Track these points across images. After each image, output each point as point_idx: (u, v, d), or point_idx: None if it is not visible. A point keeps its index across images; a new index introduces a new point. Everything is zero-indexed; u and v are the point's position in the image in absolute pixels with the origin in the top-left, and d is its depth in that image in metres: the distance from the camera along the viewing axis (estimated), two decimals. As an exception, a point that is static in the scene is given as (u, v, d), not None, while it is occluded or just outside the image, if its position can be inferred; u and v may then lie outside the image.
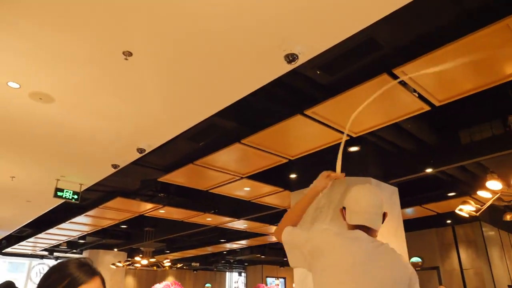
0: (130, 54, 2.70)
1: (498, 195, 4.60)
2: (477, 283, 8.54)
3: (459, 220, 8.35)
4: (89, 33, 2.50)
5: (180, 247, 13.03)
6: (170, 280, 9.28)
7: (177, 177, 5.55)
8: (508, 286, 8.89)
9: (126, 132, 3.99)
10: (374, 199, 1.72)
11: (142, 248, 10.94)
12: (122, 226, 9.39)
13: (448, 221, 9.02)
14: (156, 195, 6.97)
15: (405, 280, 1.57)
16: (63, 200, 5.65)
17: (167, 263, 10.82)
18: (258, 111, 4.23)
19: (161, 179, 5.62)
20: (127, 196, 6.76)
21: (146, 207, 7.42)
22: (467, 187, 6.46)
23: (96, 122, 3.74)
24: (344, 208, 1.76)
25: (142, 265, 10.45)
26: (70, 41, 2.58)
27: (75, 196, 5.45)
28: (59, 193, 5.30)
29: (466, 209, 4.67)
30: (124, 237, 11.40)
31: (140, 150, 4.33)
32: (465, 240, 9.06)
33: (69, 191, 5.39)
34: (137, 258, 10.27)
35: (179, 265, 11.44)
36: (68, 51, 2.69)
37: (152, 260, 10.48)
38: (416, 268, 9.44)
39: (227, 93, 3.24)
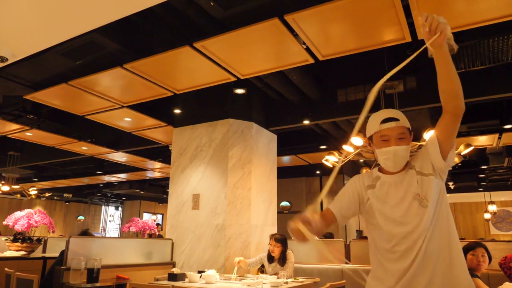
0: None
1: (358, 150, 5.18)
2: (332, 226, 9.84)
3: (326, 171, 9.29)
4: None
5: (50, 176, 12.10)
6: (36, 210, 8.63)
7: (48, 97, 5.00)
8: (356, 230, 10.46)
9: (-17, 34, 3.38)
10: None
11: (4, 174, 9.90)
12: (-20, 147, 8.32)
13: (318, 172, 9.96)
14: (23, 115, 6.22)
15: None
16: None
17: (33, 191, 10.03)
18: (145, 36, 3.95)
19: (28, 97, 4.99)
20: (-15, 113, 5.93)
21: (11, 128, 6.60)
22: (337, 142, 7.14)
23: None
24: None
25: (3, 192, 9.49)
26: None
27: None
28: None
29: (331, 159, 5.18)
30: (-18, 160, 10.14)
31: (1, 58, 3.74)
32: (329, 190, 10.20)
33: None
34: (-4, 184, 9.28)
35: (47, 195, 10.69)
36: None
37: (16, 187, 9.59)
38: (284, 211, 10.40)
39: (109, 8, 2.91)
